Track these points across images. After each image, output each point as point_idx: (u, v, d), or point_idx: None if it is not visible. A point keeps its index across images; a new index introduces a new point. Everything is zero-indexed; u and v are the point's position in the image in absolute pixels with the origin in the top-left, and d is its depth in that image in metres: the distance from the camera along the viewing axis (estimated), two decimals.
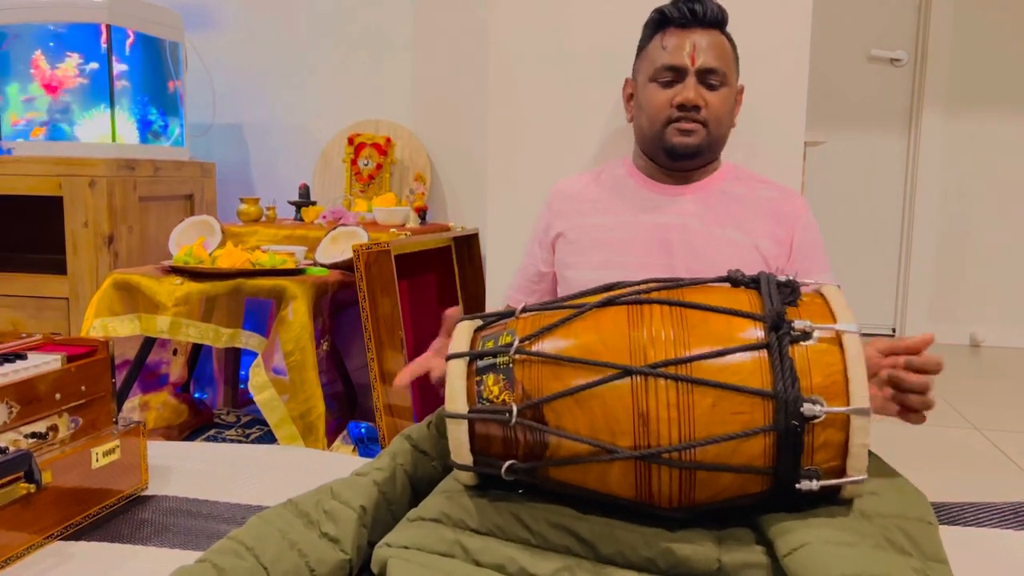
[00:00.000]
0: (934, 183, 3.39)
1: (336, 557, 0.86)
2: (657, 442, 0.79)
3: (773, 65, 1.50)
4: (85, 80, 2.32)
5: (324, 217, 2.29)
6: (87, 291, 2.17)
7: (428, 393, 1.11)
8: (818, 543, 0.75)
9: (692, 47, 1.25)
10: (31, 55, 2.32)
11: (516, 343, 0.85)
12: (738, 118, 1.36)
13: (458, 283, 2.36)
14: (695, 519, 0.84)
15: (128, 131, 2.42)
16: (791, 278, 0.87)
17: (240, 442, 1.97)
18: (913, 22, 3.39)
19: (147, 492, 1.16)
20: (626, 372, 0.80)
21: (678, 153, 1.28)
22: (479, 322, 0.93)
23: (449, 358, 0.87)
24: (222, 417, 2.18)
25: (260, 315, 1.81)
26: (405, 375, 1.10)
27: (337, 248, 2.00)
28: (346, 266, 1.91)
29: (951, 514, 1.10)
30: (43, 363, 1.06)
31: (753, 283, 0.88)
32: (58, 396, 1.05)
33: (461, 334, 0.89)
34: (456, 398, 0.84)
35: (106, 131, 2.33)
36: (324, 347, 1.81)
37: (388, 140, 2.62)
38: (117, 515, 1.09)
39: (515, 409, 0.82)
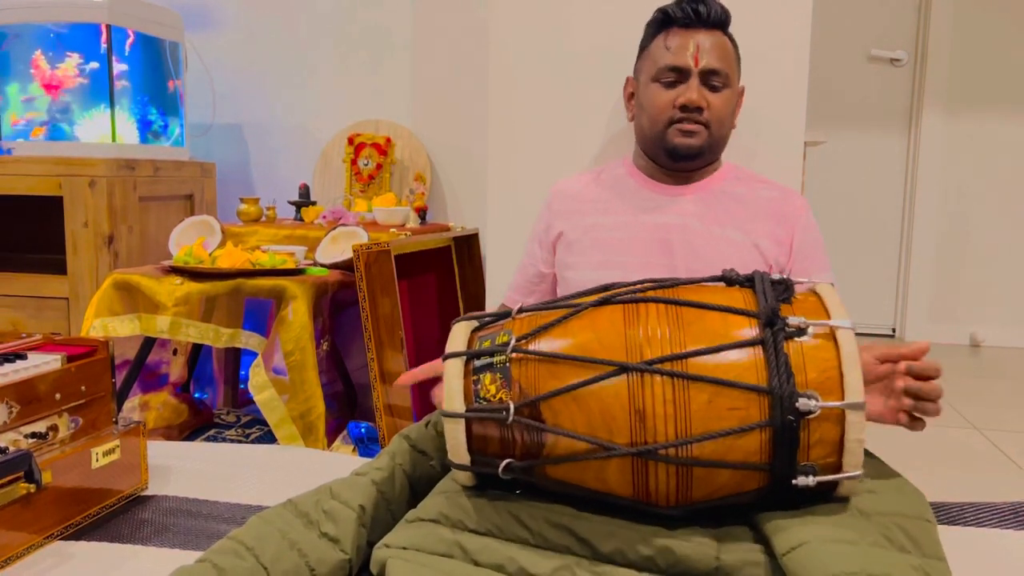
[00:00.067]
0: (934, 183, 3.39)
1: (336, 557, 0.86)
2: (654, 439, 0.79)
3: (773, 65, 1.50)
4: (85, 80, 2.32)
5: (324, 217, 2.29)
6: (87, 291, 2.17)
7: (428, 393, 1.11)
8: (817, 541, 0.75)
9: (695, 48, 1.25)
10: (31, 55, 2.32)
11: (513, 342, 0.85)
12: (738, 118, 1.36)
13: (458, 283, 2.37)
14: (693, 517, 0.84)
15: (128, 131, 2.42)
16: (785, 276, 0.87)
17: (240, 442, 1.97)
18: (913, 22, 3.39)
19: (147, 492, 1.17)
20: (622, 369, 0.80)
21: (680, 154, 1.28)
22: (476, 323, 0.93)
23: (446, 358, 0.87)
24: (222, 417, 2.18)
25: (260, 315, 1.81)
26: (407, 378, 1.11)
27: (337, 248, 2.00)
28: (346, 266, 1.91)
29: (951, 514, 1.10)
30: (43, 363, 1.06)
31: (748, 282, 0.88)
32: (58, 396, 1.05)
33: (458, 334, 0.89)
34: (453, 397, 0.84)
35: (106, 131, 2.33)
36: (324, 347, 1.81)
37: (388, 140, 2.62)
38: (117, 515, 1.09)
39: (512, 407, 0.82)
